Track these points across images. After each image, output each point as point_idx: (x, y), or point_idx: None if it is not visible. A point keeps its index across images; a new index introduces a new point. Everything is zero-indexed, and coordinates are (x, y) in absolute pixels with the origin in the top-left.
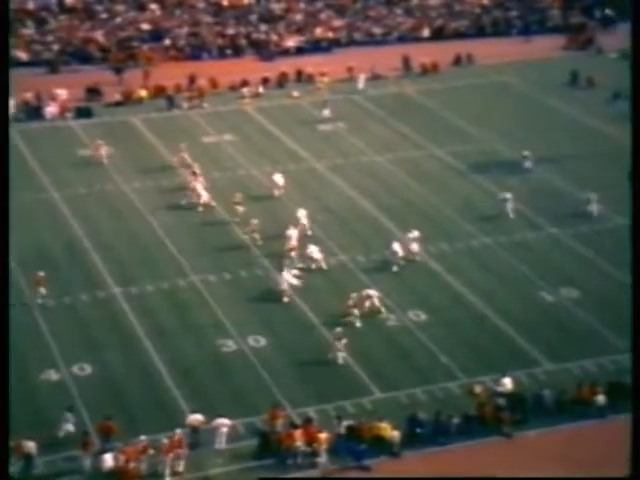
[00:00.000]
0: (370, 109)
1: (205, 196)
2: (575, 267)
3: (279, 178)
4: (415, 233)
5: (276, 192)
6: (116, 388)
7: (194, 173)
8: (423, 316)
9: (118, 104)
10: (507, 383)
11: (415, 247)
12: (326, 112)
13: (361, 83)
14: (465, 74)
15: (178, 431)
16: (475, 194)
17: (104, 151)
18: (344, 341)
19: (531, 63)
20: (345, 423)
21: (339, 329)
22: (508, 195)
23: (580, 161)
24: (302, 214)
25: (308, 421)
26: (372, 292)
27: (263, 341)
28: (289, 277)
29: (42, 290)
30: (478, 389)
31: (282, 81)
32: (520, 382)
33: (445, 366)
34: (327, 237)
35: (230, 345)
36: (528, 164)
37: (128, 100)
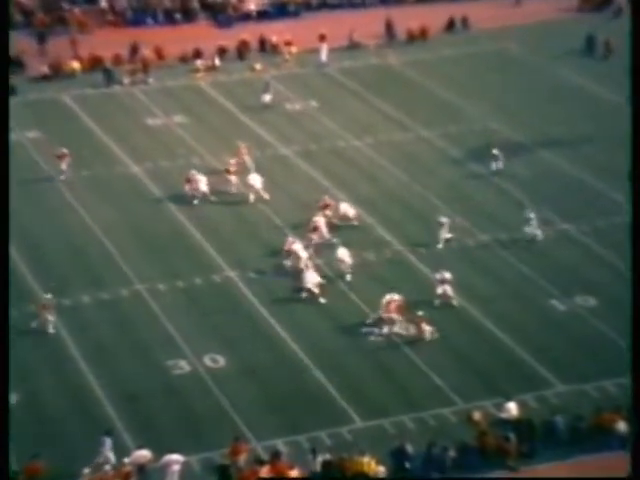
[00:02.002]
0: (347, 84)
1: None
2: (592, 270)
3: (256, 179)
4: (446, 275)
5: (251, 197)
6: (46, 420)
7: (228, 171)
8: (412, 329)
9: (45, 78)
10: (512, 408)
11: (448, 289)
12: (267, 97)
13: (324, 55)
14: (459, 41)
15: (126, 460)
16: (470, 184)
17: (65, 163)
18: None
19: (538, 27)
20: (321, 458)
21: (420, 312)
22: (444, 219)
23: (596, 144)
24: (346, 207)
25: (276, 456)
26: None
27: (222, 361)
28: (314, 276)
29: (49, 317)
30: (477, 416)
31: (242, 51)
32: (527, 407)
33: (438, 389)
34: (299, 236)
35: (183, 366)
36: (497, 165)
37: (57, 73)
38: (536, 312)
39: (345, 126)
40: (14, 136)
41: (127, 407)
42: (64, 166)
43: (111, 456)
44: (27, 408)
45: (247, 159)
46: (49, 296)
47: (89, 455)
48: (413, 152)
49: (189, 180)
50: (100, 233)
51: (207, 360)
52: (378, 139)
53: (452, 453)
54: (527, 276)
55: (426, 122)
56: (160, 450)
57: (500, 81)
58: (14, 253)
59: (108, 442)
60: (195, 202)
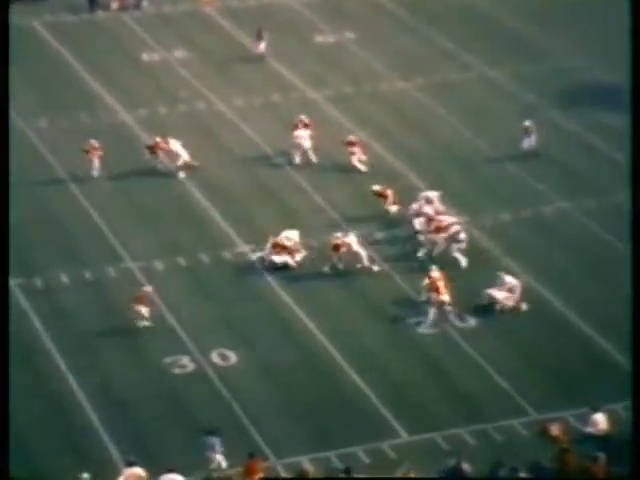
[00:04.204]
0: (392, 10)
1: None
2: None
3: (305, 137)
4: (509, 280)
5: (297, 158)
6: (16, 429)
7: (301, 125)
8: (472, 320)
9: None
10: (600, 421)
11: (513, 296)
12: (261, 46)
13: None
14: None
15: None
16: (549, 138)
17: (97, 158)
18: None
19: None
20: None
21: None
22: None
23: None
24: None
25: (301, 476)
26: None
27: (234, 358)
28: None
29: (143, 311)
30: (556, 430)
31: None
32: (620, 419)
33: (505, 394)
34: (326, 201)
35: (185, 364)
36: (528, 142)
37: None
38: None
39: (389, 64)
40: None
41: (115, 415)
42: (97, 162)
43: (223, 462)
44: None
45: (357, 159)
46: (148, 288)
47: (67, 474)
48: (475, 97)
49: (154, 149)
50: (82, 197)
51: (215, 356)
52: (430, 80)
53: (524, 475)
54: (619, 253)
55: (492, 59)
56: (156, 468)
57: (589, 7)
58: None
59: (216, 444)
60: (181, 176)
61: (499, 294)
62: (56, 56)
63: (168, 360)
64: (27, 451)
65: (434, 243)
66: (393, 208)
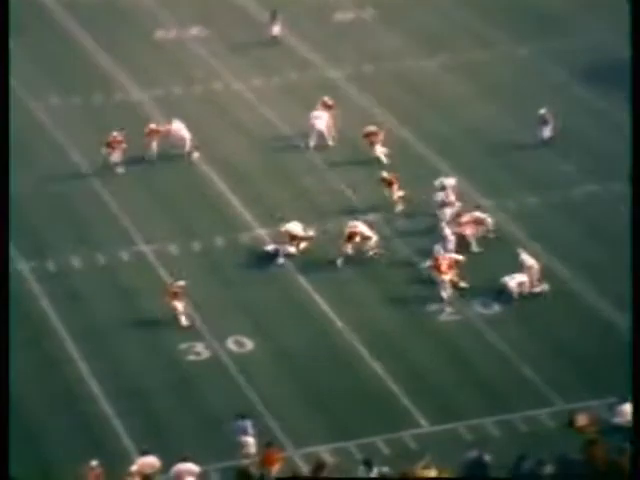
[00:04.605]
0: None
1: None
2: None
3: (321, 119)
4: (526, 259)
5: (311, 142)
6: (27, 417)
7: (322, 106)
8: (496, 306)
9: None
10: (628, 411)
11: (529, 279)
12: (275, 29)
13: None
14: None
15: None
16: (580, 118)
17: (120, 152)
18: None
19: None
20: (377, 470)
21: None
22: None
23: None
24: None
25: (319, 468)
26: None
27: (250, 344)
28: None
29: (179, 306)
30: (583, 420)
31: None
32: None
33: (530, 384)
34: (342, 185)
35: (200, 351)
36: (545, 132)
37: None
38: None
39: (411, 41)
40: None
41: (128, 402)
42: (116, 157)
43: (251, 447)
44: None
45: (378, 150)
46: (181, 282)
47: (78, 464)
48: (502, 75)
49: (151, 133)
50: (93, 178)
51: (231, 343)
52: (455, 58)
53: (549, 468)
54: None
55: (520, 35)
56: (170, 457)
57: None
58: None
59: (248, 428)
60: (194, 155)
61: (512, 281)
62: (68, 32)
63: (182, 347)
64: (39, 440)
65: (461, 235)
66: (399, 206)
